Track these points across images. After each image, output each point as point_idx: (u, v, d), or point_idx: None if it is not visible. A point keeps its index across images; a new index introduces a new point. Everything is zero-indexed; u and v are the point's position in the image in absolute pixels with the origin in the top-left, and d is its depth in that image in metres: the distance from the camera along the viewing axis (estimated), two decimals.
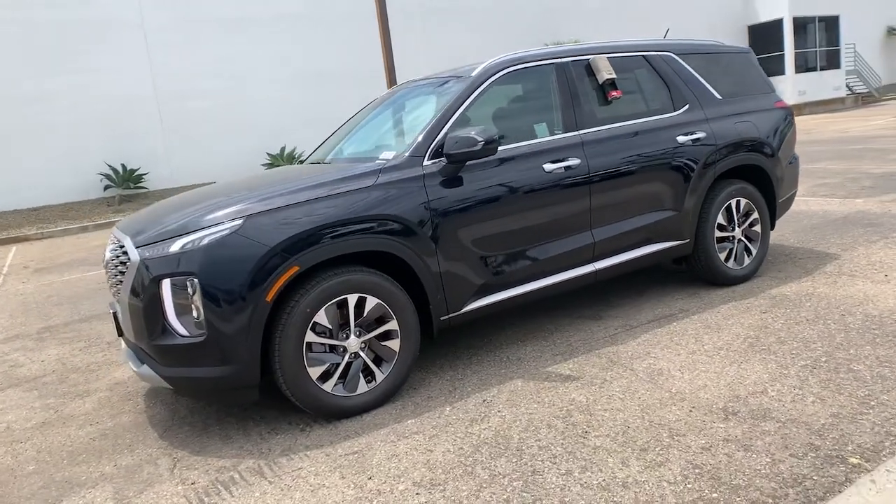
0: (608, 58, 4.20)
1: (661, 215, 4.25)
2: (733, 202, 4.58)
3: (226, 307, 2.94)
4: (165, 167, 16.37)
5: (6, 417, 3.88)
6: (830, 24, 26.24)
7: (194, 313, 2.98)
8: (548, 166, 3.78)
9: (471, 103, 3.68)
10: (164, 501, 2.71)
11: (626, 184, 4.07)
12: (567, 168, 3.83)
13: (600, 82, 4.11)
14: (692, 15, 25.19)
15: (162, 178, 16.24)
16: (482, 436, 2.92)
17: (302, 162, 4.85)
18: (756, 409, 2.88)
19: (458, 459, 2.74)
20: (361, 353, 3.26)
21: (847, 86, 27.31)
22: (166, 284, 2.99)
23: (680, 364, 3.43)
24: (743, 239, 4.67)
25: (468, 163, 3.52)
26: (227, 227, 3.01)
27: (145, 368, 3.20)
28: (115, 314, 3.42)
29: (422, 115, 3.87)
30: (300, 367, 3.09)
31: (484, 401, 3.28)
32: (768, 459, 2.48)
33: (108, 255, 3.45)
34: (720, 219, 4.52)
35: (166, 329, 3.03)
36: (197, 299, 2.95)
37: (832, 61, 26.56)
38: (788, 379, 3.12)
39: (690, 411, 2.93)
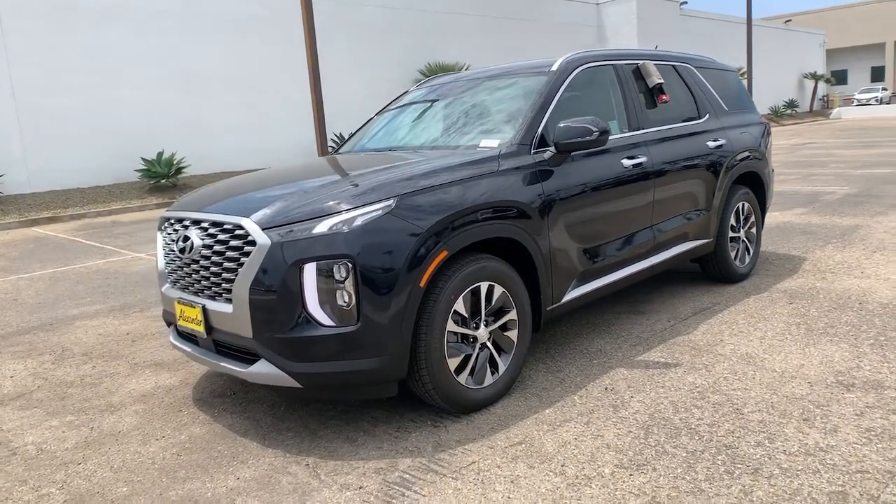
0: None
1: (696, 214, 4.55)
2: (740, 205, 5.01)
3: (383, 293, 2.70)
4: (22, 170, 14.37)
5: (26, 439, 3.23)
6: None
7: (342, 300, 2.70)
8: (625, 161, 3.91)
9: (560, 96, 3.71)
10: None
11: (676, 183, 4.32)
12: (637, 165, 3.98)
13: (650, 86, 4.33)
14: (559, 46, 26.99)
15: (19, 183, 14.23)
16: (639, 419, 2.93)
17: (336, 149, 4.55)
18: (866, 381, 3.17)
19: (637, 441, 2.74)
20: (488, 344, 3.14)
21: None
22: (309, 269, 2.68)
23: (761, 348, 3.68)
24: (745, 239, 5.11)
25: (572, 153, 3.54)
26: (380, 206, 2.78)
27: (260, 367, 2.83)
28: (204, 309, 2.99)
29: (501, 107, 3.83)
30: (443, 359, 2.91)
31: (606, 389, 3.29)
32: None
33: (196, 241, 3.01)
34: (732, 220, 4.92)
35: (305, 319, 2.72)
36: (349, 284, 2.68)
37: None
38: (869, 355, 3.47)
39: (811, 386, 3.16)
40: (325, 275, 2.69)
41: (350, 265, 2.67)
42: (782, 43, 39.11)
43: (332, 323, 2.71)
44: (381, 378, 2.82)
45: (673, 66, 4.72)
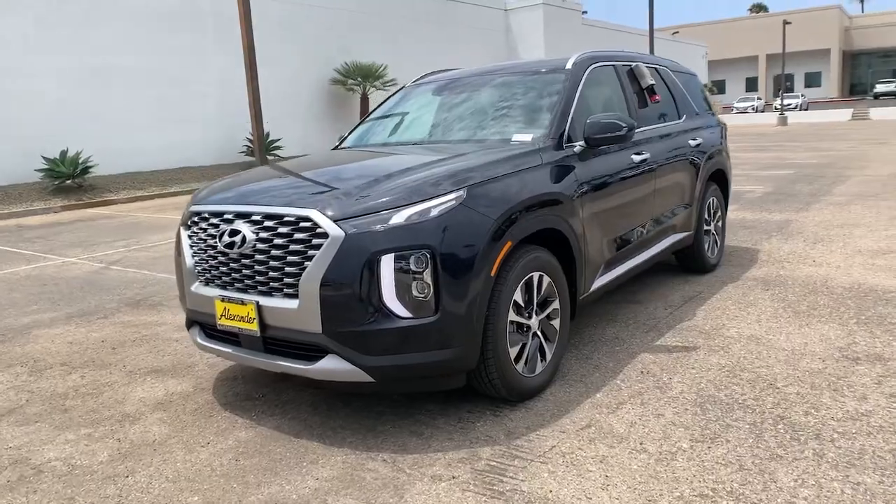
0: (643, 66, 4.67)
1: (682, 209, 4.83)
2: (711, 200, 5.36)
3: (461, 283, 2.71)
4: None
5: (46, 455, 2.96)
6: None
7: (419, 291, 2.68)
8: (634, 157, 4.10)
9: (580, 94, 3.84)
10: (447, 499, 2.41)
11: (669, 179, 4.57)
12: (642, 161, 4.19)
13: (643, 86, 4.56)
14: (472, 49, 27.49)
15: None
16: (688, 398, 3.10)
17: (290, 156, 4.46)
18: (868, 354, 3.51)
19: (698, 418, 2.90)
20: (538, 333, 3.21)
21: None
22: (387, 261, 2.64)
23: (762, 330, 3.98)
24: (714, 232, 5.48)
25: (598, 148, 3.68)
26: (453, 197, 2.79)
27: (329, 363, 2.76)
28: (258, 306, 2.86)
29: (524, 103, 3.90)
30: (506, 348, 2.96)
31: (642, 373, 3.44)
32: None
33: (248, 235, 2.87)
34: (706, 215, 5.27)
35: (381, 312, 2.67)
36: (427, 275, 2.67)
37: None
38: (858, 333, 3.83)
39: (823, 361, 3.46)
40: (403, 266, 2.66)
41: (429, 256, 2.66)
42: (670, 53, 41.70)
43: (409, 315, 2.68)
44: (455, 369, 2.83)
45: (656, 68, 4.99)
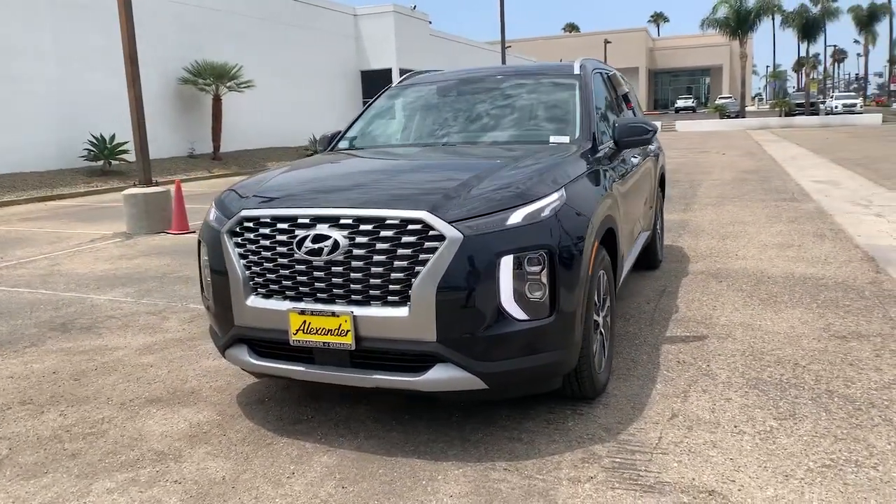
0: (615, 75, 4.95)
1: (649, 209, 5.17)
2: (657, 202, 5.79)
3: (573, 282, 2.71)
4: None
5: None
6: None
7: (534, 293, 2.63)
8: (633, 160, 4.33)
9: (595, 98, 3.99)
10: (602, 499, 2.39)
11: (646, 181, 4.88)
12: (636, 164, 4.43)
13: (620, 94, 4.83)
14: (322, 54, 27.01)
15: None
16: (739, 381, 3.34)
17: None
18: (852, 333, 4.00)
19: (763, 399, 3.13)
20: (602, 330, 3.29)
21: None
22: (506, 263, 2.57)
23: (746, 317, 4.37)
24: (658, 230, 5.92)
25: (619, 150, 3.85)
26: (557, 196, 2.77)
27: (439, 372, 2.62)
28: (354, 317, 2.62)
29: (546, 105, 3.97)
30: (591, 346, 2.99)
31: (679, 363, 3.64)
32: None
33: (342, 241, 2.62)
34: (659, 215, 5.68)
35: (501, 315, 2.59)
36: (544, 276, 2.63)
37: None
38: (827, 316, 4.35)
39: (819, 341, 3.89)
40: (521, 267, 2.60)
41: (546, 256, 2.63)
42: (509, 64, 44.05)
43: (525, 317, 2.63)
44: (560, 371, 2.81)
45: (618, 76, 5.29)
